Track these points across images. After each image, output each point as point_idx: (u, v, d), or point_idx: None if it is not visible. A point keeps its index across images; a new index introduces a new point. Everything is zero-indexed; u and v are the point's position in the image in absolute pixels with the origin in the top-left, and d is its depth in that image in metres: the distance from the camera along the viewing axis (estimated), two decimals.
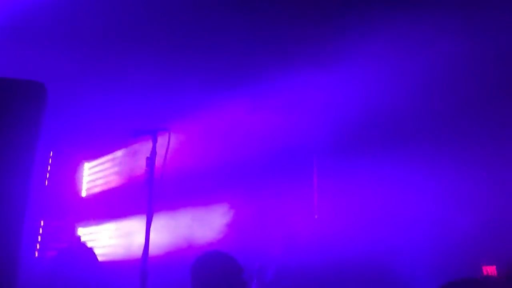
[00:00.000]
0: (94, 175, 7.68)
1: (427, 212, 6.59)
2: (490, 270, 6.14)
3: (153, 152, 3.95)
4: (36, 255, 6.83)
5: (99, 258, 6.75)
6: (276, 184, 6.85)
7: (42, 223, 7.00)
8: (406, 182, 6.55)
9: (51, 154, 7.20)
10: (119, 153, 7.45)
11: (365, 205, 6.64)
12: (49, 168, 7.17)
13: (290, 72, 6.40)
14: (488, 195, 6.29)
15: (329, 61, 6.36)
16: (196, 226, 6.66)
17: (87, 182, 7.69)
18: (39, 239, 6.92)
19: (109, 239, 7.21)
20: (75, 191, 7.53)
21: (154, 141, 3.95)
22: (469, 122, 6.46)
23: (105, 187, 7.49)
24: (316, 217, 6.84)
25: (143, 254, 3.89)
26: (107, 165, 7.58)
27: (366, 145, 6.77)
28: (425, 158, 6.56)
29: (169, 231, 6.33)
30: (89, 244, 6.91)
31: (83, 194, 7.60)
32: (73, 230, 7.20)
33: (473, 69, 6.09)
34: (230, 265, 3.15)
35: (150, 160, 3.96)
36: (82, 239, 7.18)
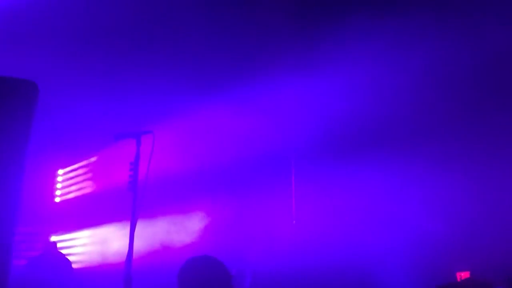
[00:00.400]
0: (68, 181, 7.57)
1: (403, 218, 6.65)
2: (463, 275, 6.22)
3: (137, 155, 3.86)
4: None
5: (74, 265, 6.64)
6: (254, 188, 6.83)
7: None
8: (383, 188, 6.61)
9: None
10: (93, 160, 7.35)
11: (342, 210, 6.67)
12: None
13: (270, 76, 6.41)
14: (462, 203, 6.38)
15: (308, 66, 6.40)
16: (174, 231, 6.59)
17: (61, 189, 7.57)
18: None
19: (83, 246, 7.09)
20: (49, 197, 7.39)
21: (138, 145, 3.87)
22: (446, 129, 6.56)
23: (79, 194, 7.38)
24: (294, 222, 6.85)
25: (126, 259, 3.81)
26: (81, 171, 7.48)
27: (344, 150, 6.81)
28: (402, 164, 6.62)
29: (147, 236, 6.26)
30: (63, 251, 6.78)
31: (57, 200, 7.47)
32: (47, 237, 7.05)
33: (453, 76, 6.19)
34: (219, 271, 3.10)
35: (134, 164, 3.87)
36: (56, 246, 7.05)
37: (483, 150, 6.31)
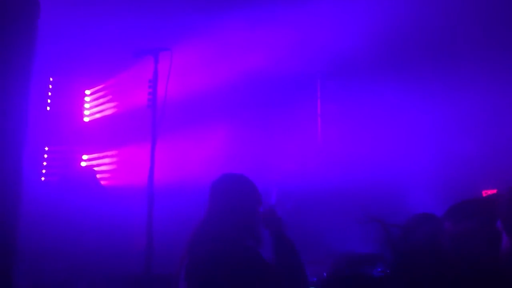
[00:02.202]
0: (96, 101, 7.62)
1: (429, 136, 6.58)
2: (490, 193, 6.17)
3: (155, 73, 3.85)
4: (42, 179, 6.90)
5: (103, 183, 6.83)
6: (279, 108, 6.78)
7: (46, 149, 7.03)
8: (410, 106, 6.49)
9: (51, 80, 7.11)
10: (120, 78, 7.35)
11: (368, 129, 6.60)
12: (50, 94, 7.11)
13: None
14: (489, 120, 6.25)
15: None
16: (198, 150, 6.62)
17: (89, 108, 7.64)
18: (45, 164, 6.97)
19: (112, 165, 7.25)
20: (78, 116, 7.49)
21: (156, 62, 3.84)
22: (472, 44, 6.30)
23: (107, 113, 7.44)
24: (319, 141, 6.83)
25: (148, 179, 3.89)
26: (108, 90, 7.50)
27: (370, 68, 6.64)
28: (429, 82, 6.47)
29: (171, 155, 6.33)
30: (93, 169, 6.97)
31: (86, 119, 7.56)
32: (77, 156, 7.23)
33: None
34: (251, 187, 3.14)
35: (153, 82, 3.87)
36: (86, 164, 7.23)
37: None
